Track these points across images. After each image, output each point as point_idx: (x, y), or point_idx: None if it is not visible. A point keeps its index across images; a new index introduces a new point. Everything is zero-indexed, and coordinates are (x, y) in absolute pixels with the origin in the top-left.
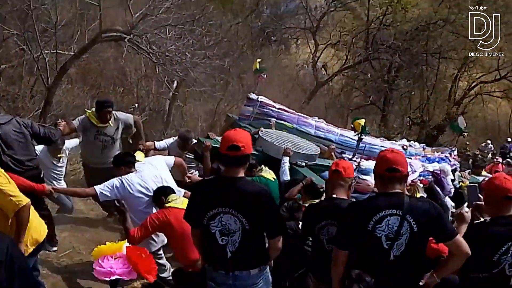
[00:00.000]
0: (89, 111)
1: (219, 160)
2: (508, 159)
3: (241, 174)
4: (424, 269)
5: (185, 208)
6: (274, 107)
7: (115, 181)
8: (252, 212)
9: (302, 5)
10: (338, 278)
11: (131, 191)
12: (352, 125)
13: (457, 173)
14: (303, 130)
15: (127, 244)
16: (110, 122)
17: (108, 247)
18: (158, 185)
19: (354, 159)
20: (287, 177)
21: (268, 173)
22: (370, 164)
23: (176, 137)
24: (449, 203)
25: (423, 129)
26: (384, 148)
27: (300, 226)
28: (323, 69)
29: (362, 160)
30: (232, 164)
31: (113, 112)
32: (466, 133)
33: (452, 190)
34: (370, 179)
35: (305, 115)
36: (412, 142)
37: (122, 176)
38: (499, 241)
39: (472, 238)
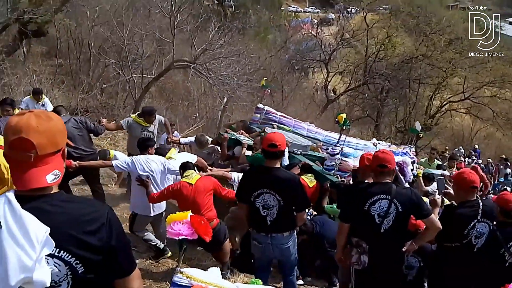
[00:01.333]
0: (134, 115)
1: (263, 154)
2: (468, 161)
3: (278, 165)
4: (406, 239)
5: (193, 183)
6: (276, 114)
7: (128, 159)
8: (285, 193)
9: (318, 44)
10: (341, 244)
11: (137, 169)
12: (336, 119)
13: (415, 164)
14: (297, 132)
15: (191, 214)
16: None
17: (177, 215)
18: (159, 167)
19: (338, 145)
20: (286, 162)
21: None
22: (349, 150)
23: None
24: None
25: (405, 135)
26: (359, 145)
27: None
28: (332, 90)
29: (345, 146)
30: (271, 157)
31: None
32: (421, 135)
33: (412, 178)
34: (350, 161)
35: (299, 121)
36: (380, 141)
37: (134, 156)
38: (467, 219)
39: (446, 217)
